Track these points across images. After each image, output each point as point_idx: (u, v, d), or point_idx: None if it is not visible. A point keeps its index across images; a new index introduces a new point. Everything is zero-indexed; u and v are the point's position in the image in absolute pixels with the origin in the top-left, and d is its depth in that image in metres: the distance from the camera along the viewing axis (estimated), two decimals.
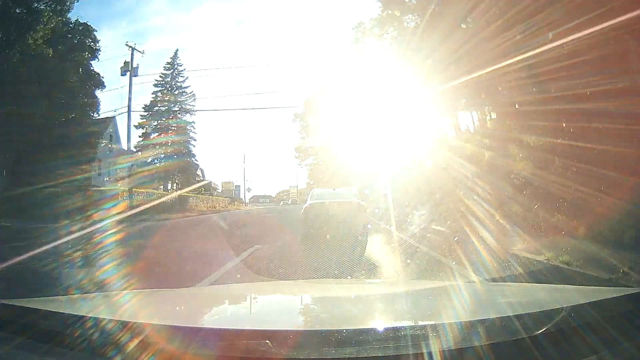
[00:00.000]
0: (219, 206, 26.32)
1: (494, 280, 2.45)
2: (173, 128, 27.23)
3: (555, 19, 4.27)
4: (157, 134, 26.67)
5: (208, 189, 37.29)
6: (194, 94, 28.24)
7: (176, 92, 27.19)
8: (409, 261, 3.79)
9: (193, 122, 28.71)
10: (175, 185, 29.51)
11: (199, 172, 44.65)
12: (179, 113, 27.37)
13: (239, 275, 3.33)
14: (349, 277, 3.07)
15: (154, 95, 26.66)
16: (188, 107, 27.82)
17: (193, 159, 37.70)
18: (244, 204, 37.24)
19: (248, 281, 2.92)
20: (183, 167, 35.50)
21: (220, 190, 48.45)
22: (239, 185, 63.62)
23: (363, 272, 3.45)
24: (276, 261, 3.82)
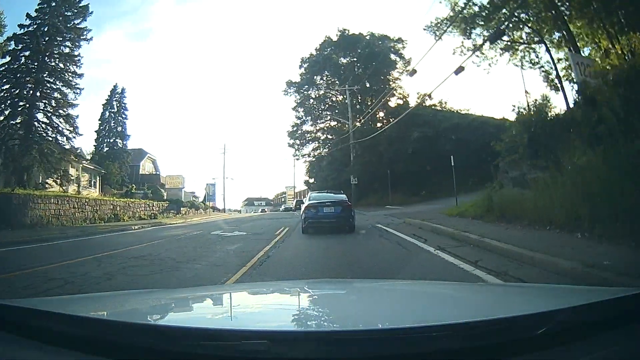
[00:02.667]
0: (129, 218, 19.85)
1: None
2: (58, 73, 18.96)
3: None
4: (27, 77, 18.37)
5: (152, 187, 30.21)
6: (88, 7, 21.11)
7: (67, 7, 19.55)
8: None
9: (80, 56, 21.02)
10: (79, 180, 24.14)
11: (146, 163, 38.67)
12: (64, 42, 19.36)
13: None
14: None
15: (36, 14, 19.32)
16: (79, 27, 19.95)
17: (126, 142, 30.99)
18: (203, 211, 33.58)
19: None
20: (105, 151, 28.74)
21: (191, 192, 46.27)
22: (214, 184, 59.92)
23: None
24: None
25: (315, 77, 33.17)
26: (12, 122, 18.57)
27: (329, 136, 34.30)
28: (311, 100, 34.34)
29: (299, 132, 34.75)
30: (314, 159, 38.43)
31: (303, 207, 10.99)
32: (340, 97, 32.88)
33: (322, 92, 34.34)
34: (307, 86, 33.33)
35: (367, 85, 29.87)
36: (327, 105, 34.32)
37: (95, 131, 32.02)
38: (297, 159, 38.22)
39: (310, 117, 34.53)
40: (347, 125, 29.46)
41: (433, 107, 29.26)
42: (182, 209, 29.12)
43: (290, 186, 65.57)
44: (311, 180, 45.85)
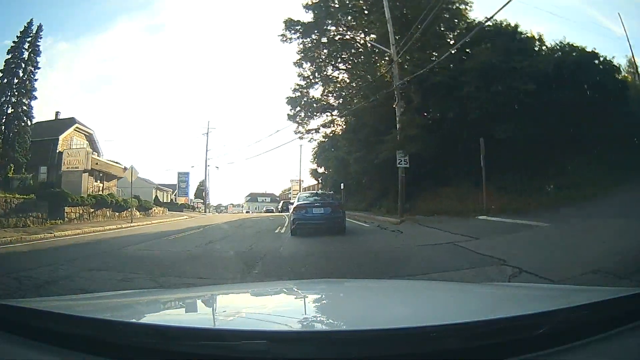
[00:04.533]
0: None
1: None
2: None
3: None
4: None
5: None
6: None
7: None
8: None
9: None
10: None
11: (74, 137, 40.01)
12: None
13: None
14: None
15: None
16: None
17: (31, 102, 31.28)
18: (141, 213, 32.38)
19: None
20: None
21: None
22: (187, 173, 62.19)
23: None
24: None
25: (327, 20, 30.96)
26: None
27: (349, 95, 31.93)
28: (322, 53, 32.89)
29: (305, 99, 34.41)
30: (324, 139, 38.64)
31: (292, 208, 16.73)
32: (364, 46, 30.99)
33: (339, 30, 32.19)
34: (316, 31, 31.67)
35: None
36: (349, 53, 32.59)
37: None
38: (301, 137, 38.22)
39: (320, 76, 33.69)
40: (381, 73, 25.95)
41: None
42: (68, 209, 23.32)
43: (295, 180, 70.13)
44: (320, 170, 46.73)
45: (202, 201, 64.27)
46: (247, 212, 79.76)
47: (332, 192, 19.13)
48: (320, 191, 24.13)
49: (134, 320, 1.80)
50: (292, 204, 18.73)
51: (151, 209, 36.24)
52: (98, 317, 1.73)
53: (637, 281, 6.50)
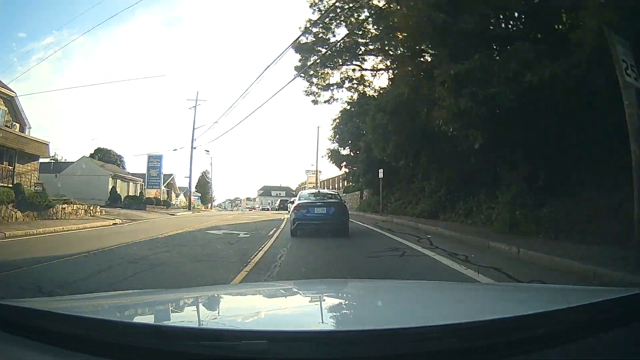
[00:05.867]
0: None
1: None
2: None
3: None
4: None
5: None
6: None
7: None
8: None
9: None
10: None
11: None
12: None
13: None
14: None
15: None
16: None
17: None
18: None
19: None
20: None
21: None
22: (160, 156, 63.55)
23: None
24: None
25: None
26: None
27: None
28: None
29: (319, 45, 31.83)
30: (348, 107, 38.29)
31: (292, 207, 21.20)
32: None
33: None
34: None
35: None
36: None
37: None
38: (316, 102, 36.93)
39: (343, 12, 29.94)
40: None
41: None
42: None
43: (311, 170, 72.73)
44: (344, 151, 46.33)
45: (208, 195, 66.91)
46: (249, 209, 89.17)
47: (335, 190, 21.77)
48: (332, 189, 29.22)
49: (134, 320, 2.43)
50: (292, 202, 23.69)
51: (52, 207, 30.54)
52: (98, 317, 2.33)
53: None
